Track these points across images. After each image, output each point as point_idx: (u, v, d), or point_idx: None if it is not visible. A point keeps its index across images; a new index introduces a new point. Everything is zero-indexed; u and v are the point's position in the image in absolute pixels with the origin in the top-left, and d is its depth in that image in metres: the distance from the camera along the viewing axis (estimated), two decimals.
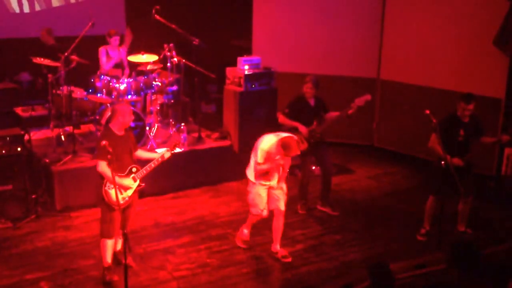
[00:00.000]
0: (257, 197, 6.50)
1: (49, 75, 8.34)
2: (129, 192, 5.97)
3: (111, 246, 6.03)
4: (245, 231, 6.87)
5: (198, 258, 6.57)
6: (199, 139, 8.81)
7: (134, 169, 5.98)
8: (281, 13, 10.36)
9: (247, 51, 10.32)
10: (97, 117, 8.33)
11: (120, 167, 5.85)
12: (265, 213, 6.57)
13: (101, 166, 5.77)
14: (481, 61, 8.78)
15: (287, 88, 9.00)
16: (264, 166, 6.32)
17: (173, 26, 8.81)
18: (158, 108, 8.74)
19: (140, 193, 7.78)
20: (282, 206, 6.56)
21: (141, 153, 6.31)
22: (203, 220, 7.50)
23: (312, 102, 7.53)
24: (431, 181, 7.18)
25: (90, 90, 8.41)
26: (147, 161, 6.09)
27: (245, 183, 8.59)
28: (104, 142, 5.67)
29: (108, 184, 5.81)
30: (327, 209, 7.77)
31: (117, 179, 5.73)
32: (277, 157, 6.25)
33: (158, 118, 8.71)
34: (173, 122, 8.92)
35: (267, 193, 6.49)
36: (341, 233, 7.24)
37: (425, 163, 7.97)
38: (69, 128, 8.34)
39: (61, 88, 8.35)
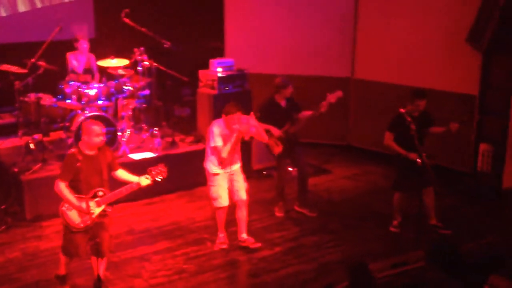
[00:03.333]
0: (220, 188, 6.60)
1: (16, 82, 8.13)
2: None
3: (67, 262, 5.79)
4: (221, 235, 6.80)
5: (175, 264, 6.45)
6: (173, 144, 8.68)
7: (100, 193, 5.50)
8: (252, 13, 10.28)
9: (221, 52, 10.22)
10: (67, 124, 8.14)
11: (85, 189, 5.48)
12: (227, 202, 6.64)
13: (58, 186, 5.45)
14: (455, 58, 8.78)
15: (260, 89, 8.91)
16: (225, 148, 6.43)
17: (143, 29, 8.67)
18: (130, 113, 8.59)
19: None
20: (244, 195, 6.69)
21: (121, 174, 5.76)
22: (179, 226, 7.37)
23: (283, 103, 7.43)
24: (395, 177, 7.19)
25: (59, 97, 8.23)
26: (125, 183, 5.68)
27: None
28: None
29: (66, 204, 5.52)
30: (304, 211, 7.69)
31: (75, 201, 5.44)
32: (236, 125, 6.40)
33: (131, 123, 8.56)
34: (146, 127, 8.77)
35: (228, 184, 6.63)
36: (319, 234, 7.18)
37: None
38: (38, 136, 8.12)
39: (28, 95, 8.14)
